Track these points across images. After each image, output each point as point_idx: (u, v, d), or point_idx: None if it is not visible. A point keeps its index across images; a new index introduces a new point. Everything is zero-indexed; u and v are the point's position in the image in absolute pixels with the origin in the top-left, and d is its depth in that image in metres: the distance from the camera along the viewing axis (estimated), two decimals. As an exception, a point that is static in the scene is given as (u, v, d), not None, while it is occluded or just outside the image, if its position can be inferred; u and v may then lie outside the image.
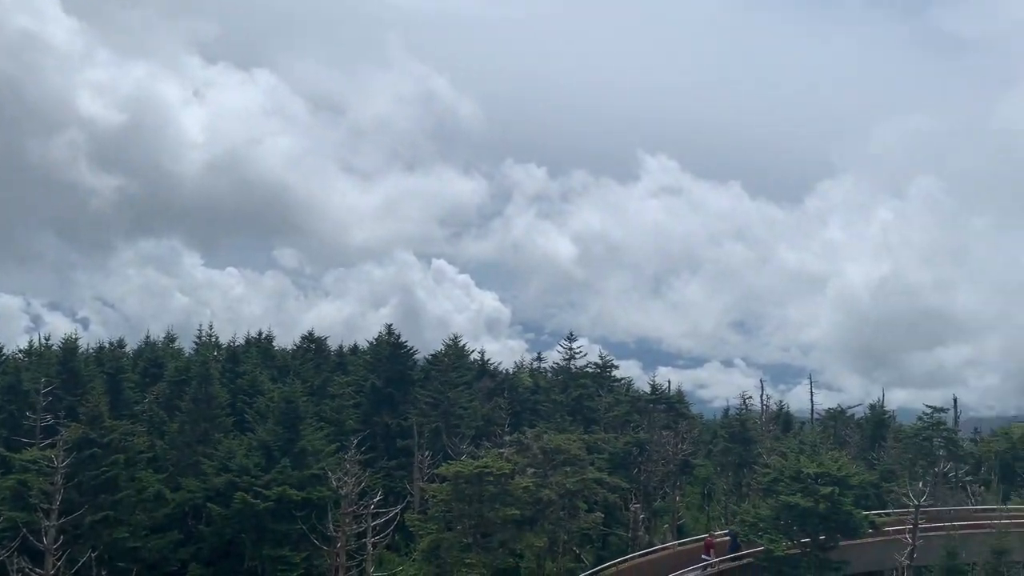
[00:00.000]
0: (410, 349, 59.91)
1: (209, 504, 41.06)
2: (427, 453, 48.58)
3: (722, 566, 40.50)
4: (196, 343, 66.43)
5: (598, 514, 43.48)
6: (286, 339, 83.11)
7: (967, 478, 54.96)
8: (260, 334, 69.87)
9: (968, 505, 48.60)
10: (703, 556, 40.80)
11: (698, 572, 40.42)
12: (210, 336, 66.86)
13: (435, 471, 42.91)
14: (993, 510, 44.50)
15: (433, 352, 61.58)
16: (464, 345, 64.54)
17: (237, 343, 66.68)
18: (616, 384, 68.34)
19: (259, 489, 40.34)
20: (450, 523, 38.18)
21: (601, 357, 69.56)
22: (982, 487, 55.68)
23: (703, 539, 43.10)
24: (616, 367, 70.24)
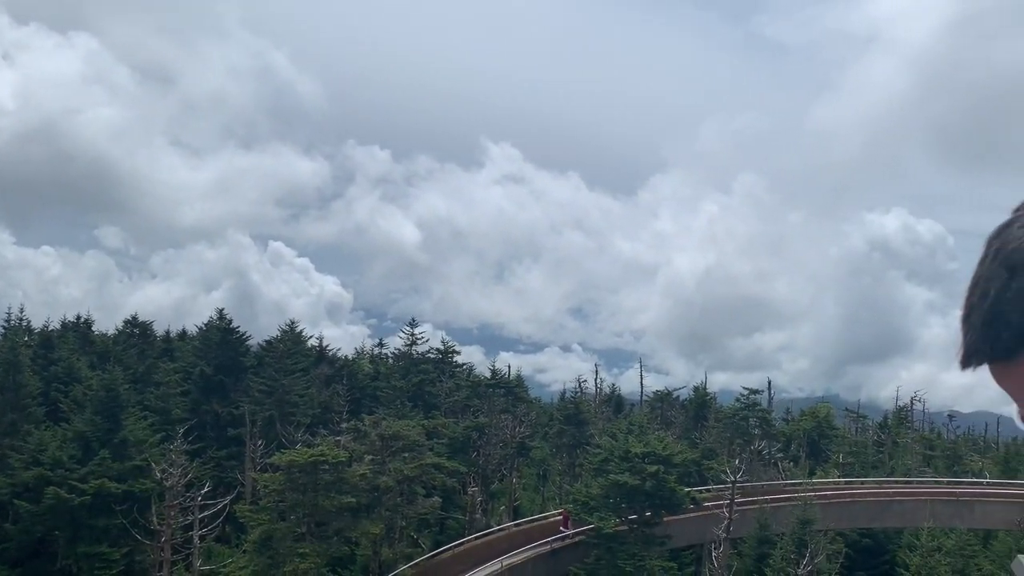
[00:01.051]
0: (243, 335, 57.85)
1: (16, 501, 38.11)
2: (260, 442, 47.17)
3: (555, 544, 41.75)
4: (4, 327, 61.31)
5: (436, 499, 43.70)
6: (107, 323, 78.23)
7: (779, 455, 59.17)
8: (78, 318, 65.43)
9: (779, 480, 52.31)
10: (561, 528, 42.02)
11: (549, 544, 41.49)
12: (20, 320, 61.81)
13: (268, 460, 41.74)
14: (800, 484, 48.09)
15: (268, 338, 59.76)
16: (302, 331, 62.91)
17: (52, 328, 62.03)
18: (457, 370, 68.81)
19: (74, 483, 37.79)
20: (283, 513, 37.27)
21: (443, 343, 69.92)
22: (791, 463, 60.14)
23: (542, 518, 44.24)
24: (458, 353, 70.84)
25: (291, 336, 60.03)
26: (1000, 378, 1.25)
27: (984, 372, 1.22)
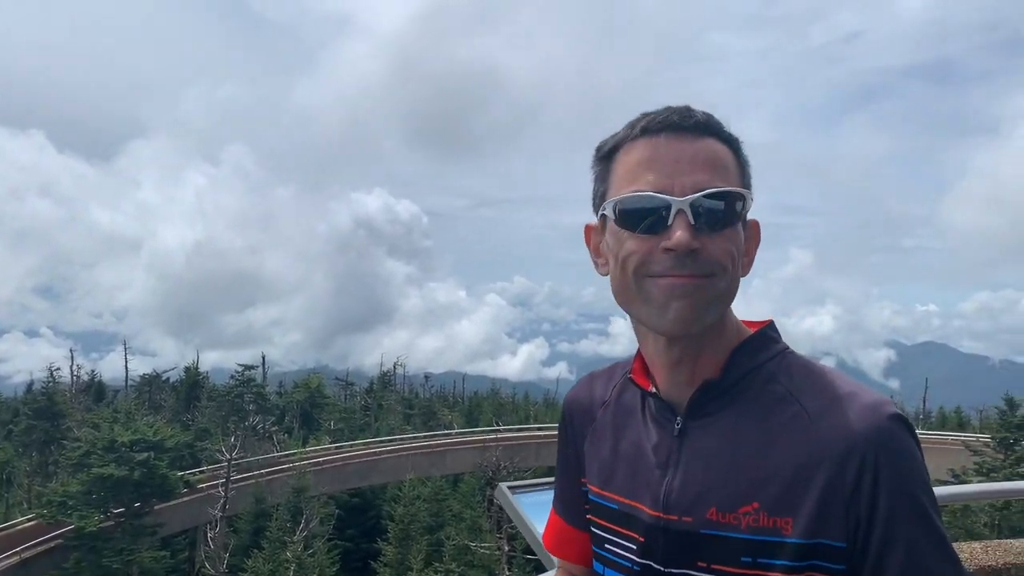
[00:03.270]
0: None
1: None
2: None
3: (24, 554, 36.94)
4: None
5: None
6: None
7: (273, 428, 59.98)
8: None
9: (274, 453, 53.07)
10: None
11: (18, 555, 36.19)
12: None
13: None
14: (294, 454, 49.43)
15: None
16: None
17: None
18: None
19: None
20: None
21: None
22: (286, 435, 61.44)
23: (9, 527, 38.62)
24: None
25: None
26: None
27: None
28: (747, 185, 1.43)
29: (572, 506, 1.70)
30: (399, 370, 77.79)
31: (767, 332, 1.49)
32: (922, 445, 1.36)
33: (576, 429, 1.66)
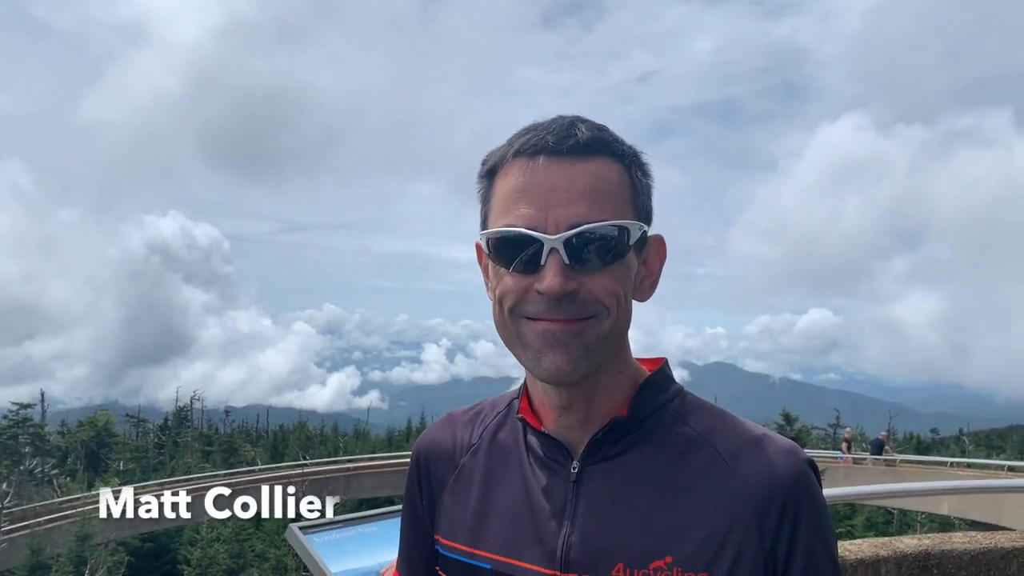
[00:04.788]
0: None
1: None
2: None
3: None
4: None
5: None
6: None
7: (54, 471, 55.10)
8: None
9: (55, 498, 48.69)
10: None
11: None
12: None
13: None
14: (79, 498, 45.58)
15: None
16: None
17: None
18: None
19: None
20: None
21: None
22: (68, 478, 56.57)
23: None
24: None
25: None
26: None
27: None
28: (643, 206, 1.29)
29: (419, 566, 1.47)
30: (197, 404, 73.76)
31: (665, 370, 1.37)
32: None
33: (433, 478, 1.44)
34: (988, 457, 39.65)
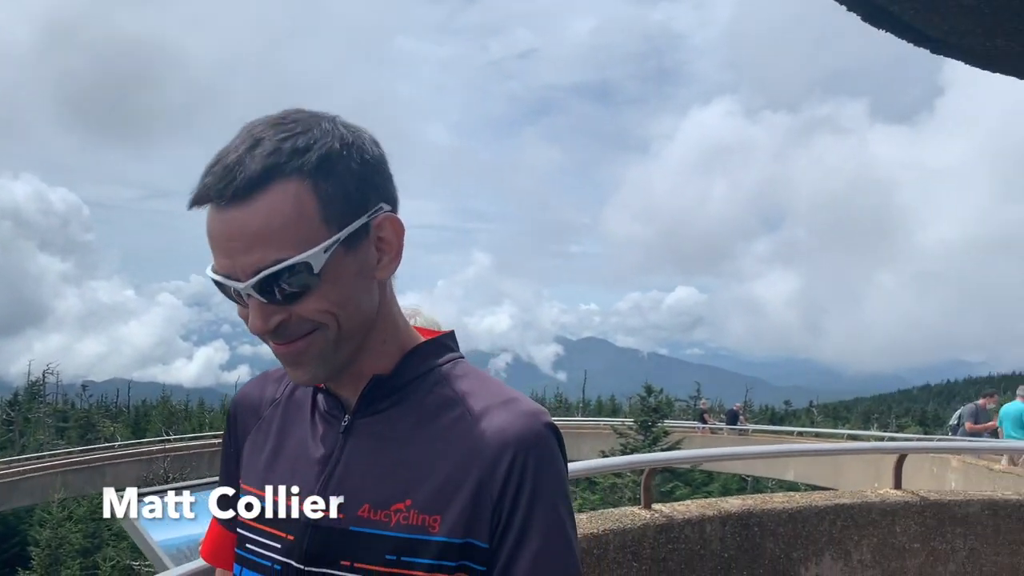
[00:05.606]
0: None
1: None
2: None
3: None
4: None
5: None
6: None
7: None
8: None
9: None
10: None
11: None
12: None
13: None
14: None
15: None
16: None
17: None
18: None
19: None
20: None
21: None
22: (-97, 457, 52.69)
23: None
24: None
25: None
26: None
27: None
28: (339, 213, 1.26)
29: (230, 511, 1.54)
30: (51, 378, 69.88)
31: (443, 340, 1.47)
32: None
33: (240, 429, 1.54)
34: (834, 427, 42.45)
